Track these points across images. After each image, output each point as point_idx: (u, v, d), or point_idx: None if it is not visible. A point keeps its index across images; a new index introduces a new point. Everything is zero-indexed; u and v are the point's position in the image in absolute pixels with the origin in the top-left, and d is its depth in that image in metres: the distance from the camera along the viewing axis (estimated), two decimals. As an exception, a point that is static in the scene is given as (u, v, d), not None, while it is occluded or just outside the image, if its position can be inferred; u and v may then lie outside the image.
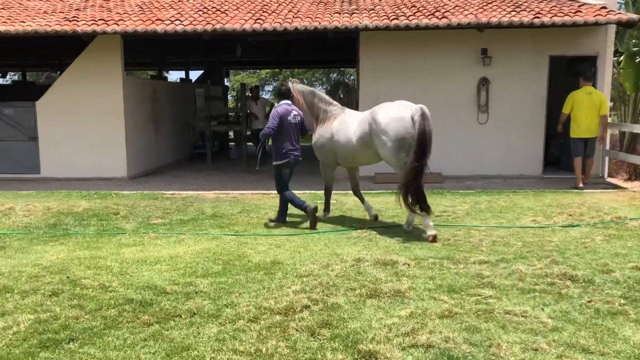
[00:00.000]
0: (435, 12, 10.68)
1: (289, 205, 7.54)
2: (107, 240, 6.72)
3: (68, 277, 5.20)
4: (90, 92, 11.72)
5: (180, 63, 20.19)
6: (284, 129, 7.28)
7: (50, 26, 10.63)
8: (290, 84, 7.72)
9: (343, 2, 12.32)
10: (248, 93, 14.39)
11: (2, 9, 12.68)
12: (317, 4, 12.20)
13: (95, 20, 10.88)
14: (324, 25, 10.18)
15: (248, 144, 14.66)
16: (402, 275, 5.17)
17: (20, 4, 13.29)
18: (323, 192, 8.04)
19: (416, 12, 10.86)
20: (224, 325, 4.12)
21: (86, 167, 11.93)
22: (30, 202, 9.21)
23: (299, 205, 7.33)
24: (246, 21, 10.64)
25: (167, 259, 5.86)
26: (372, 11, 11.10)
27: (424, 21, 10.17)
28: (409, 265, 5.48)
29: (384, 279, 5.06)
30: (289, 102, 7.52)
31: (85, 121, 11.81)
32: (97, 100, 11.72)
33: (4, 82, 22.56)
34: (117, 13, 11.50)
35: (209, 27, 10.32)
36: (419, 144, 6.38)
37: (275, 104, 7.96)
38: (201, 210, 8.50)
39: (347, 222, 7.61)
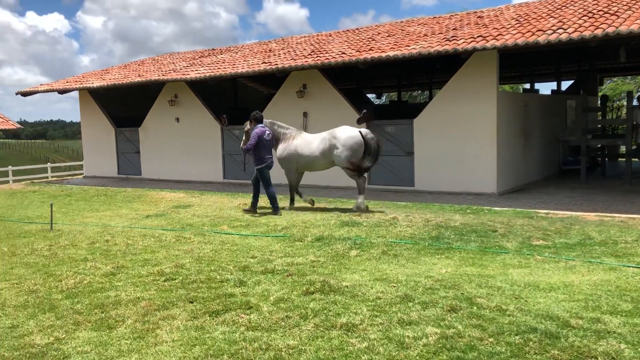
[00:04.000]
0: None
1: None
2: (490, 258, 6.58)
3: (462, 293, 5.19)
4: (463, 108, 12.00)
5: (550, 74, 19.17)
6: (261, 144, 9.99)
7: (432, 47, 11.27)
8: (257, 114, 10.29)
9: None
10: (635, 102, 12.62)
11: (388, 36, 14.09)
12: None
13: (474, 37, 11.06)
14: None
15: (633, 159, 12.85)
16: None
17: (402, 30, 14.55)
18: (299, 196, 10.78)
19: None
20: (656, 381, 3.43)
21: (455, 181, 12.25)
22: (410, 213, 9.84)
23: (274, 203, 10.13)
24: (645, 20, 9.28)
25: (560, 286, 5.36)
26: None
27: None
28: None
29: None
30: (263, 124, 10.21)
31: (456, 136, 12.14)
32: (469, 116, 11.91)
33: (381, 103, 25.31)
34: (495, 28, 11.48)
35: (598, 32, 9.36)
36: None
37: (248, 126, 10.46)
38: (586, 234, 7.67)
39: None
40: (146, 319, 4.75)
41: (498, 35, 10.82)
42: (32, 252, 7.49)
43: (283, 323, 4.56)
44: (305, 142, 10.30)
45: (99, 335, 4.42)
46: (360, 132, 9.85)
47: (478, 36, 11.07)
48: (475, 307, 4.81)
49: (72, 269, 6.48)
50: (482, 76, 11.63)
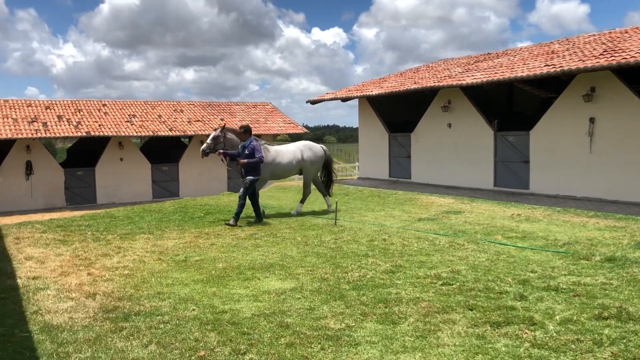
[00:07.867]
0: None
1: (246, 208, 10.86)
2: None
3: None
4: None
5: None
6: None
7: None
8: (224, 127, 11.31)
9: None
10: None
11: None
12: None
13: None
14: None
15: None
16: None
17: None
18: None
19: None
20: None
21: None
22: None
23: (238, 213, 10.18)
24: None
25: None
26: None
27: None
28: None
29: None
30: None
31: None
32: None
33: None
34: None
35: None
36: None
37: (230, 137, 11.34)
38: None
39: None
40: (427, 319, 4.86)
41: None
42: (320, 244, 8.33)
43: (573, 346, 4.20)
44: (280, 154, 11.61)
45: (384, 329, 4.67)
46: (322, 147, 12.24)
47: None
48: None
49: (355, 263, 7.00)
50: None
